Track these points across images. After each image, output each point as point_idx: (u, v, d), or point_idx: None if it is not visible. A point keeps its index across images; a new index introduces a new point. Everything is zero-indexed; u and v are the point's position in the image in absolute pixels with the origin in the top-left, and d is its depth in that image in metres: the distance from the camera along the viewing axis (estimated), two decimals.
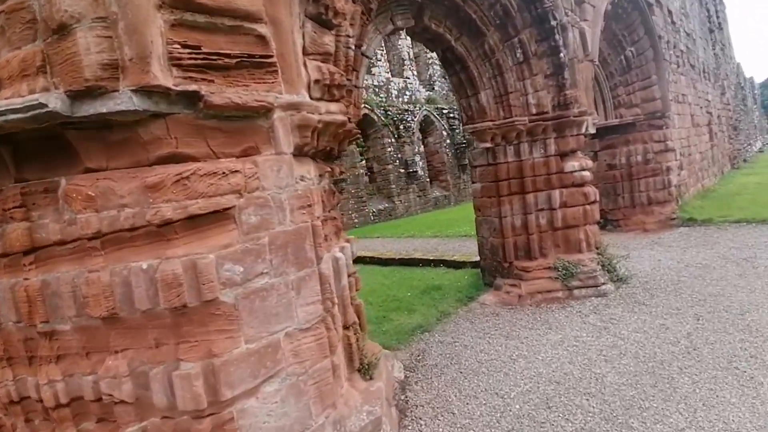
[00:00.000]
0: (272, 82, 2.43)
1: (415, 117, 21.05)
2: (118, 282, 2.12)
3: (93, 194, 2.13)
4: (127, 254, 2.15)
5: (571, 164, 6.14)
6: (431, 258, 9.04)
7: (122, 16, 2.00)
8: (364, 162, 19.42)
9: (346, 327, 3.23)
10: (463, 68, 6.04)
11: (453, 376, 4.13)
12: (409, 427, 3.40)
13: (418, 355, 4.67)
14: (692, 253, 7.47)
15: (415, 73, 22.80)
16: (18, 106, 2.01)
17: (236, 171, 2.27)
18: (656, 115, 9.71)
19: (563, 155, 6.18)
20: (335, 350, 2.77)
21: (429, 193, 21.58)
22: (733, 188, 14.09)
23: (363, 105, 18.55)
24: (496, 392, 3.76)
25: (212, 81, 2.21)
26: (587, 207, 6.19)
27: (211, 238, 2.19)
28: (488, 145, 6.23)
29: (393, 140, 19.80)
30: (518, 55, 5.85)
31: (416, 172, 20.53)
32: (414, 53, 22.96)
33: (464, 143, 19.49)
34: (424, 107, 21.88)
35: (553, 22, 5.63)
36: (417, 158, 20.71)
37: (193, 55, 2.14)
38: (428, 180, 21.76)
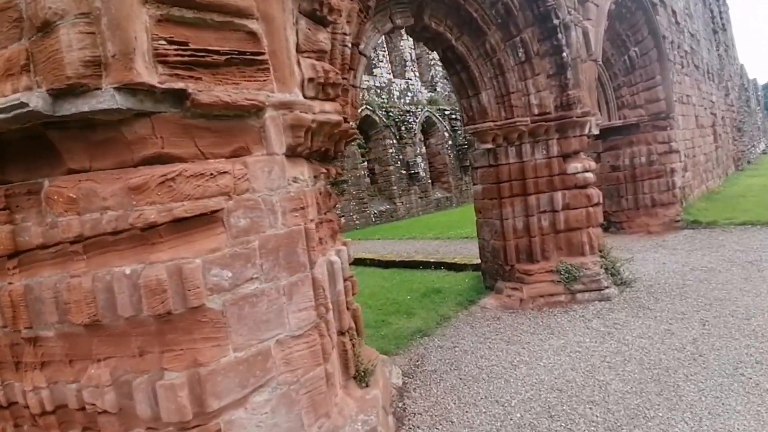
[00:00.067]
0: (264, 80, 2.35)
1: (417, 118, 20.98)
2: (101, 288, 2.04)
3: (75, 196, 2.05)
4: (110, 259, 2.06)
5: (574, 166, 6.04)
6: (432, 260, 8.94)
7: (105, 11, 1.92)
8: (365, 163, 19.36)
9: (341, 333, 3.14)
10: (464, 68, 5.94)
11: (452, 383, 4.03)
12: None
13: (417, 361, 4.57)
14: (697, 256, 7.36)
15: (417, 74, 22.74)
16: (1, 106, 1.94)
17: (225, 172, 2.18)
18: (660, 116, 9.59)
19: (566, 156, 6.08)
20: (329, 357, 2.68)
21: (431, 195, 21.50)
22: (738, 190, 13.96)
23: (365, 106, 18.54)
24: (496, 400, 3.66)
25: (200, 79, 2.12)
26: (590, 209, 6.08)
27: (198, 242, 2.11)
28: (489, 146, 6.14)
29: (395, 141, 19.73)
30: (520, 54, 5.76)
31: (418, 173, 20.45)
32: (416, 54, 22.90)
33: (466, 144, 19.41)
34: (426, 108, 21.81)
35: (556, 21, 5.54)
36: (419, 159, 20.63)
37: (180, 52, 2.06)
38: (430, 181, 21.68)
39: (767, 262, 6.46)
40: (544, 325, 5.16)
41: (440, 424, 3.41)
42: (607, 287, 5.85)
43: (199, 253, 2.07)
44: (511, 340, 4.84)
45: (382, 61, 20.57)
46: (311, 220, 2.67)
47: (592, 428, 3.15)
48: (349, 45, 3.32)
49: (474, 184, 6.79)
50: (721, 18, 19.56)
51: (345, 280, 3.35)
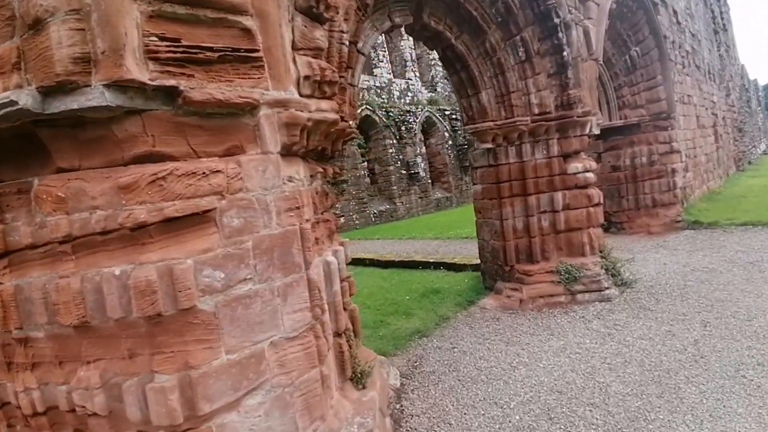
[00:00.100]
0: (258, 78, 2.31)
1: (417, 118, 20.93)
2: (90, 289, 1.99)
3: (63, 195, 2.01)
4: (99, 259, 2.02)
5: (575, 165, 5.99)
6: (431, 260, 8.90)
7: (95, 7, 1.88)
8: (365, 163, 19.32)
9: (338, 334, 3.10)
10: (464, 67, 5.90)
11: (451, 384, 3.99)
12: None
13: (416, 362, 4.53)
14: (698, 256, 7.31)
15: (418, 74, 22.70)
16: None
17: (218, 171, 2.14)
18: (661, 116, 9.54)
19: (566, 156, 6.03)
20: (325, 359, 2.63)
21: (431, 195, 21.45)
22: (739, 191, 13.91)
23: (365, 106, 18.50)
24: (495, 402, 3.62)
25: (192, 76, 2.08)
26: (591, 209, 6.04)
27: (190, 242, 2.06)
28: (489, 145, 6.09)
29: (395, 141, 19.69)
30: (520, 53, 5.71)
31: (418, 173, 20.40)
32: (416, 54, 22.85)
33: (466, 145, 19.37)
34: (426, 108, 21.76)
35: (556, 20, 5.49)
36: (419, 159, 20.59)
37: (172, 48, 2.01)
38: (430, 181, 21.63)
39: None
40: (544, 326, 5.12)
41: (438, 426, 3.36)
42: (607, 288, 5.80)
43: (190, 254, 2.03)
44: (510, 341, 4.80)
45: (382, 61, 20.53)
46: (307, 220, 2.63)
47: (592, 431, 3.11)
48: (347, 43, 3.27)
49: (474, 184, 6.75)
50: (722, 18, 19.51)
51: (342, 280, 3.31)
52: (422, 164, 20.92)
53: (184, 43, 2.05)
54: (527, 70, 5.80)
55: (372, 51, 20.03)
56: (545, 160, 6.00)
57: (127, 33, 1.91)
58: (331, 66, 2.93)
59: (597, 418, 3.25)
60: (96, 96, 1.88)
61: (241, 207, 2.22)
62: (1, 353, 2.43)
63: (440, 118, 22.28)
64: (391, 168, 19.61)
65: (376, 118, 19.10)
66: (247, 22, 2.25)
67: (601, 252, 6.18)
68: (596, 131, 6.30)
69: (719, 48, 18.23)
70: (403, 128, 19.86)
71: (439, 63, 18.72)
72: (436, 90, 23.78)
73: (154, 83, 1.95)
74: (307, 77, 2.64)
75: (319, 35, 2.76)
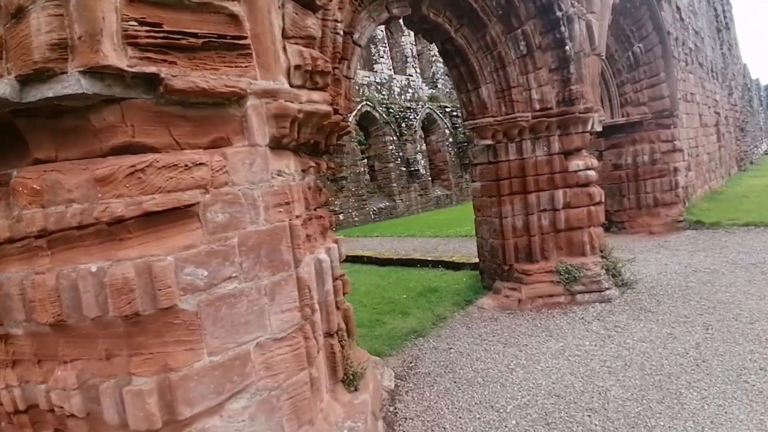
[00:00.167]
0: (245, 66, 2.21)
1: (418, 115, 20.81)
2: (66, 286, 1.90)
3: (39, 188, 1.91)
4: (75, 255, 1.92)
5: (576, 163, 5.88)
6: (430, 259, 8.80)
7: None
8: (365, 160, 19.21)
9: (329, 334, 3.00)
10: (464, 61, 5.78)
11: (446, 386, 3.89)
12: None
13: (411, 362, 4.43)
14: (700, 257, 7.21)
15: (418, 70, 22.55)
16: None
17: (201, 164, 2.04)
18: (664, 114, 9.42)
19: (567, 154, 5.92)
20: (314, 361, 2.53)
21: (430, 192, 21.35)
22: (741, 191, 13.79)
23: (365, 102, 18.38)
24: (491, 405, 3.52)
25: (175, 63, 1.98)
26: (592, 208, 5.93)
27: (171, 238, 1.96)
28: (489, 142, 5.98)
29: (395, 138, 19.57)
30: (521, 47, 5.59)
31: (418, 170, 20.29)
32: (417, 50, 22.69)
33: (466, 142, 19.24)
34: (427, 105, 21.63)
35: (559, 13, 5.37)
36: (419, 157, 20.47)
37: (152, 34, 1.91)
38: (430, 179, 21.53)
39: None
40: (543, 327, 5.02)
41: (432, 430, 3.27)
42: (607, 288, 5.70)
43: (171, 251, 1.93)
44: (508, 342, 4.71)
45: (383, 57, 20.38)
46: (297, 216, 2.52)
47: None
48: (341, 33, 3.17)
49: (473, 182, 6.63)
50: (725, 17, 19.33)
51: (336, 279, 3.20)
52: (422, 161, 20.81)
53: (165, 28, 1.94)
54: (528, 65, 5.68)
55: (372, 47, 19.90)
56: (546, 157, 5.89)
57: (105, 17, 1.81)
58: (323, 56, 2.82)
59: (596, 424, 3.15)
60: (72, 83, 1.78)
61: (227, 202, 2.12)
62: None
63: (441, 115, 22.15)
64: (391, 165, 19.50)
65: (376, 115, 18.98)
66: (234, 7, 2.15)
67: (601, 252, 6.08)
68: (598, 128, 6.18)
69: (722, 46, 18.07)
70: (403, 125, 19.73)
71: (440, 59, 18.62)
72: (437, 87, 23.62)
73: (132, 70, 1.84)
74: (297, 67, 2.53)
75: (311, 23, 2.65)
